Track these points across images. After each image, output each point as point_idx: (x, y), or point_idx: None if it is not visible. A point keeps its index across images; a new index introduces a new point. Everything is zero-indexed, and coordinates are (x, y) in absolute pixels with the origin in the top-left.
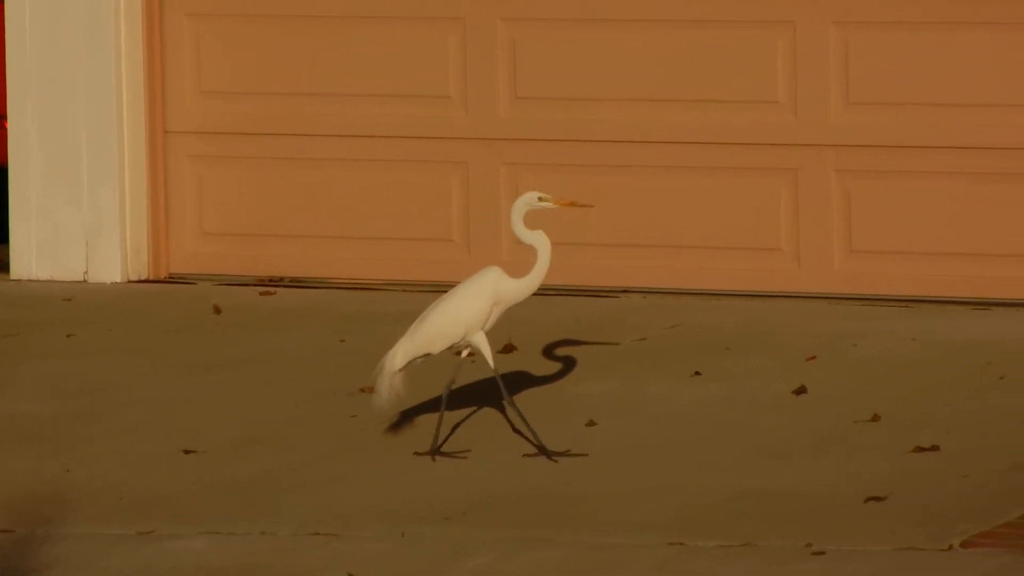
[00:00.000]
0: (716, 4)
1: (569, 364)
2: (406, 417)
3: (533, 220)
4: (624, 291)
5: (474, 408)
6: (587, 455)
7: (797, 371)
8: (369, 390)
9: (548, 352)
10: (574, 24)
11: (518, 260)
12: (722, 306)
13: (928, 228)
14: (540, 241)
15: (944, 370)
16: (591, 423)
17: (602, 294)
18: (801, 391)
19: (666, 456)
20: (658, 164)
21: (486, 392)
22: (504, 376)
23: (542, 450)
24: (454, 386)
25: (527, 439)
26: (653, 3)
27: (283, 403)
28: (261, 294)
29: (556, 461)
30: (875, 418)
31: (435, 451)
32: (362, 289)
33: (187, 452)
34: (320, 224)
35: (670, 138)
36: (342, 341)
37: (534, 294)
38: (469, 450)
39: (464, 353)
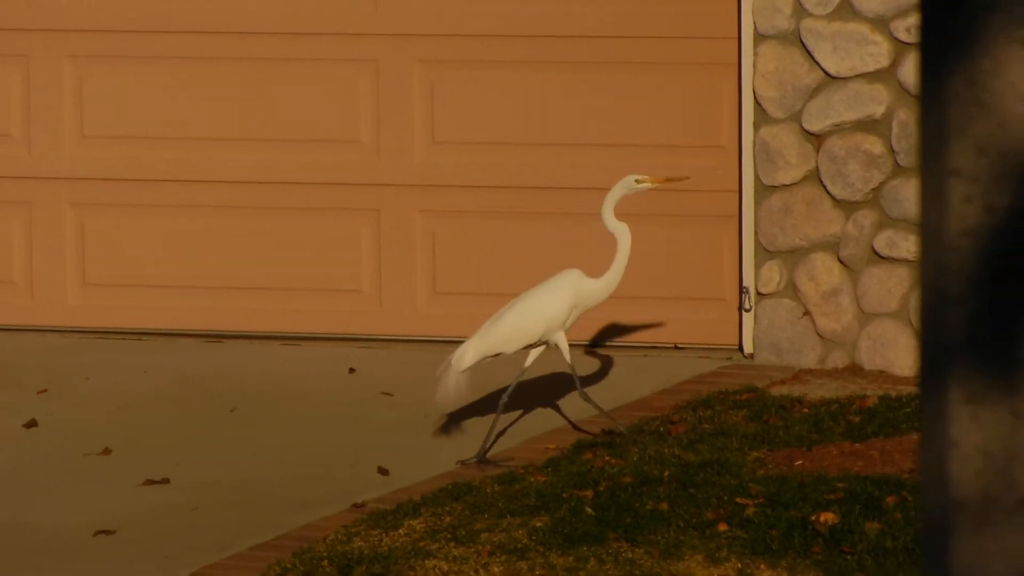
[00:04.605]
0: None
1: None
2: None
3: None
4: None
5: None
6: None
7: (28, 405)
8: None
9: None
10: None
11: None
12: None
13: (160, 261)
14: (622, 233)
15: (176, 403)
16: None
17: None
18: (31, 424)
19: None
20: None
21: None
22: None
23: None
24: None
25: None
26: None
27: None
28: None
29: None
30: (106, 451)
31: (482, 458)
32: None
33: None
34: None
35: None
36: None
37: None
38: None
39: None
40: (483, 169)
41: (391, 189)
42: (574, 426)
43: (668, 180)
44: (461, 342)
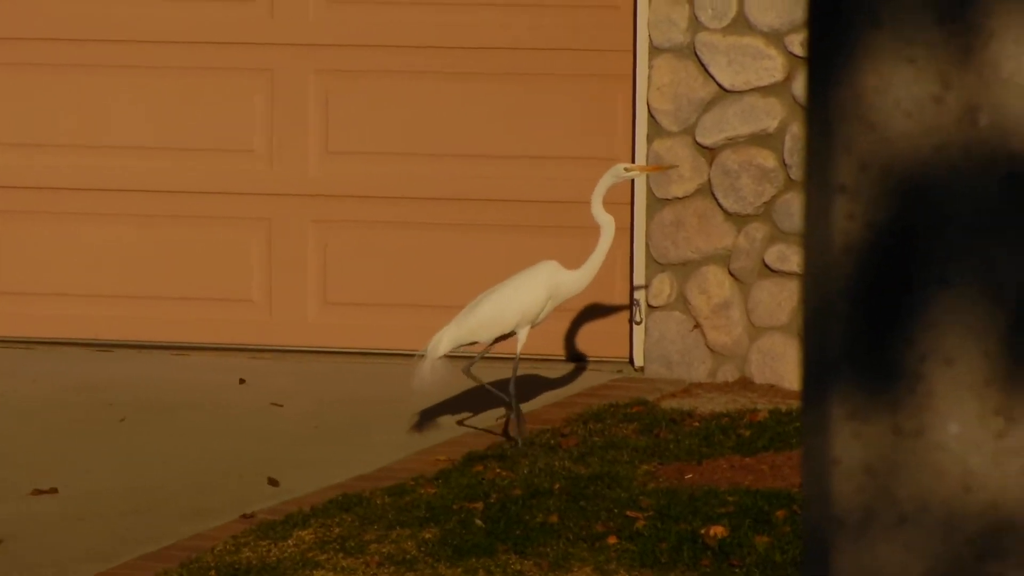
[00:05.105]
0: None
1: None
2: None
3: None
4: None
5: None
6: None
7: None
8: None
9: None
10: None
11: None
12: None
13: (48, 269)
14: (606, 226)
15: (65, 412)
16: None
17: None
18: None
19: None
20: None
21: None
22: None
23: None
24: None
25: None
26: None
27: None
28: None
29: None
30: None
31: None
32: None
33: None
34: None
35: None
36: None
37: None
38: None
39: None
40: (377, 180)
41: (283, 199)
42: (505, 430)
43: (655, 168)
44: (350, 353)
